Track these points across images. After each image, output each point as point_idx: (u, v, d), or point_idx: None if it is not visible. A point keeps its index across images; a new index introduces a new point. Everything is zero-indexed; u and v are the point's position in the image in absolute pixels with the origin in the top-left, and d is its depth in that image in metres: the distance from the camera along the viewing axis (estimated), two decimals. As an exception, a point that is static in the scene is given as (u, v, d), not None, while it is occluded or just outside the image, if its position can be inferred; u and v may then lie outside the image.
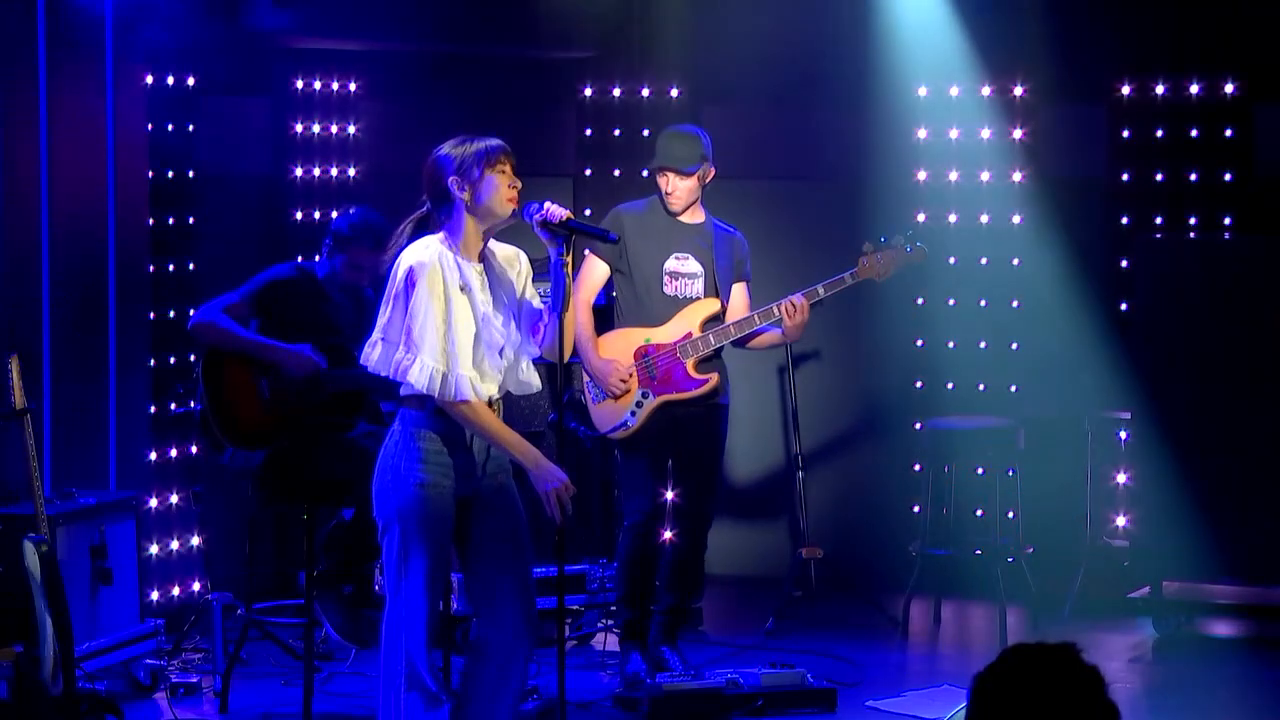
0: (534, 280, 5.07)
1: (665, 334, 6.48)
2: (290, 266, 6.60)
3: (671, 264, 6.51)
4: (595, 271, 6.56)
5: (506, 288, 4.96)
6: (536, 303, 5.00)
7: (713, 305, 6.52)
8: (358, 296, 6.58)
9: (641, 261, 6.51)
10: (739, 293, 6.62)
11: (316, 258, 6.80)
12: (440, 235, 4.87)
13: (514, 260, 5.01)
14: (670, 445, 6.54)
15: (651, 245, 6.51)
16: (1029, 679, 2.69)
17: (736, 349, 6.62)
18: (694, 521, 6.63)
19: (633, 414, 6.45)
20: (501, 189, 4.84)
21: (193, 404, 6.39)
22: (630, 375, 6.44)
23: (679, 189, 6.49)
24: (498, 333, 4.88)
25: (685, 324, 6.48)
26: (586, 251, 6.58)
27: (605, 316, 6.68)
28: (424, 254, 4.81)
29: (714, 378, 6.50)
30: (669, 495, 6.69)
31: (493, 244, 4.97)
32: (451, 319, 4.78)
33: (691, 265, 6.52)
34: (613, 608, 7.12)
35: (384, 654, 4.90)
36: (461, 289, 4.82)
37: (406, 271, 4.78)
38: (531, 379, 5.00)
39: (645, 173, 6.65)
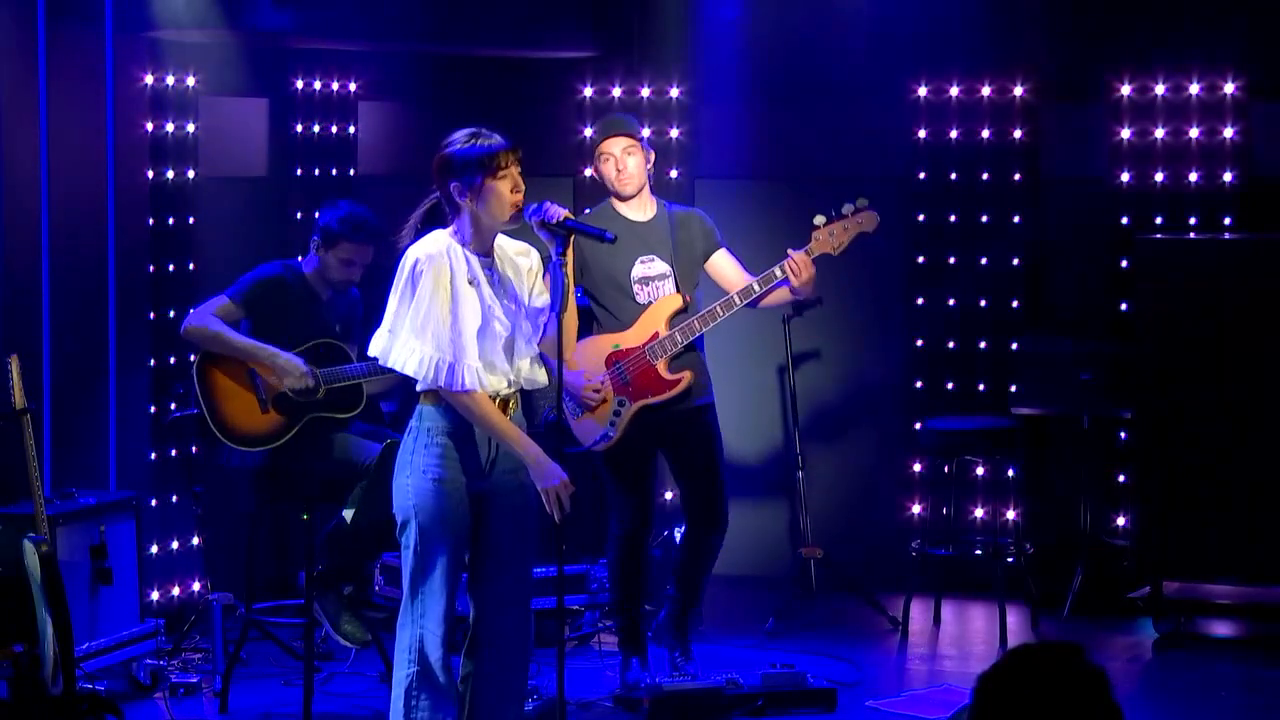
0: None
1: (632, 338, 6.31)
2: (278, 265, 6.60)
3: (638, 270, 6.32)
4: None
5: (515, 283, 4.96)
6: (541, 301, 4.99)
7: (675, 302, 6.33)
8: (346, 293, 6.59)
9: (606, 276, 6.32)
10: (724, 260, 6.43)
11: (300, 257, 6.80)
12: (450, 229, 4.89)
13: (525, 255, 5.01)
14: (656, 451, 6.44)
15: (612, 256, 6.27)
16: (1034, 680, 2.68)
17: (748, 309, 6.40)
18: (708, 526, 6.52)
19: (612, 424, 6.29)
20: (504, 196, 4.82)
21: (191, 409, 6.38)
22: (603, 384, 6.29)
23: (629, 165, 6.29)
24: (503, 327, 4.88)
25: (651, 324, 6.31)
26: None
27: (586, 320, 6.55)
28: (432, 246, 4.83)
29: (686, 375, 6.31)
30: (667, 497, 6.66)
31: (502, 239, 4.97)
32: (458, 311, 4.80)
33: (658, 265, 6.35)
34: (610, 609, 7.12)
35: (396, 650, 4.91)
36: (470, 282, 4.84)
37: (413, 263, 4.81)
38: (537, 375, 5.00)
39: (589, 173, 6.49)
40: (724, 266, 6.44)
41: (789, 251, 6.27)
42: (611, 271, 6.32)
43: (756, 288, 6.30)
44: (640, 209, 6.40)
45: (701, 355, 6.46)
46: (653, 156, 6.45)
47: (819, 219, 6.38)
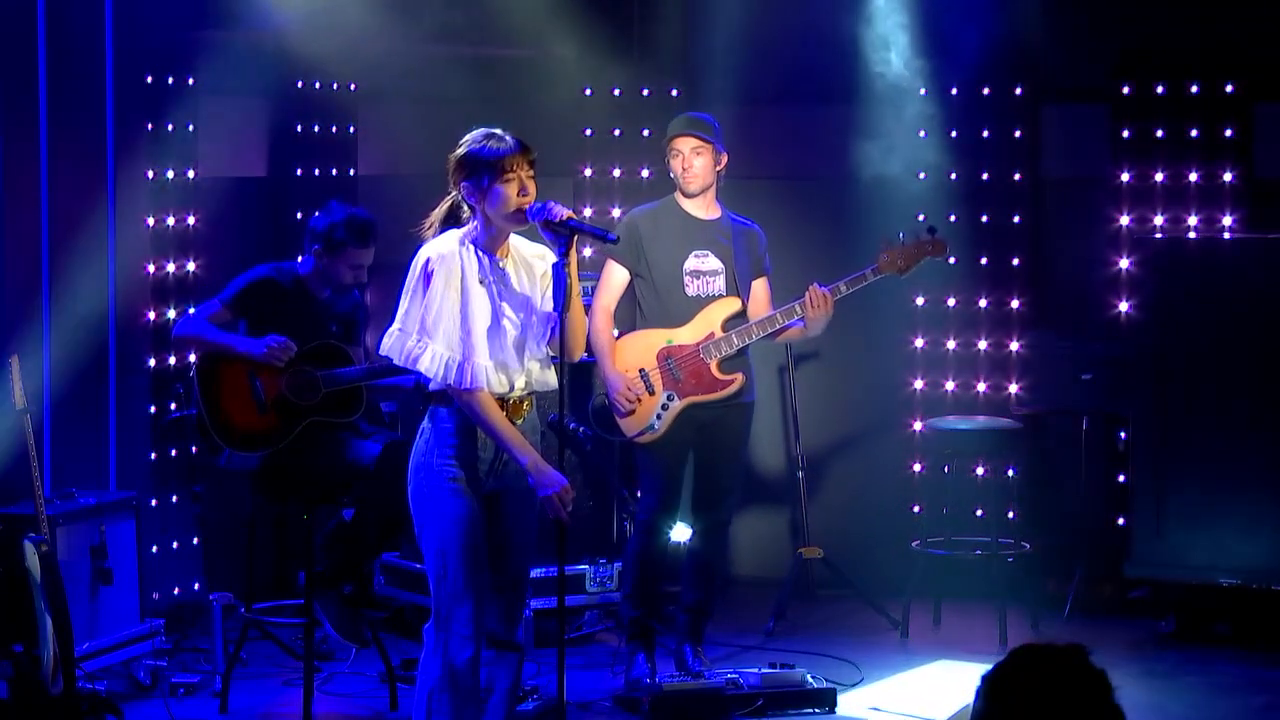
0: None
1: (687, 334, 6.41)
2: (268, 267, 6.56)
3: (691, 263, 6.43)
4: (614, 277, 6.49)
5: (528, 285, 4.95)
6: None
7: (734, 304, 6.45)
8: (348, 294, 6.58)
9: (660, 263, 6.43)
10: (760, 288, 6.53)
11: (299, 258, 6.77)
12: (464, 229, 4.90)
13: (541, 259, 5.01)
14: (693, 445, 6.50)
15: (669, 246, 6.43)
16: (1037, 680, 2.69)
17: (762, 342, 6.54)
18: (713, 519, 6.59)
19: (658, 417, 6.38)
20: (509, 200, 4.82)
21: (190, 409, 6.37)
22: (639, 397, 6.37)
23: (695, 165, 6.41)
24: (513, 326, 4.88)
25: (706, 324, 6.41)
26: (607, 257, 6.53)
27: (630, 306, 6.60)
28: (444, 246, 4.85)
29: (739, 378, 6.42)
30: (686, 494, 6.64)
31: (519, 241, 4.98)
32: (468, 310, 4.81)
33: (712, 262, 6.45)
34: (614, 607, 7.12)
35: (423, 652, 4.90)
36: (480, 282, 4.84)
37: (425, 262, 4.82)
38: (548, 378, 5.00)
39: (667, 163, 6.55)
40: (759, 294, 6.54)
41: (812, 286, 6.29)
42: (666, 260, 6.43)
43: (779, 319, 6.38)
44: (703, 208, 6.51)
45: (748, 357, 6.54)
46: (724, 159, 6.50)
47: (886, 241, 6.48)
